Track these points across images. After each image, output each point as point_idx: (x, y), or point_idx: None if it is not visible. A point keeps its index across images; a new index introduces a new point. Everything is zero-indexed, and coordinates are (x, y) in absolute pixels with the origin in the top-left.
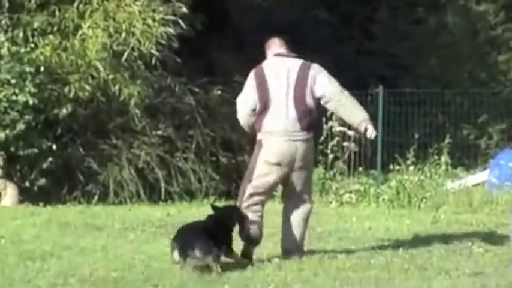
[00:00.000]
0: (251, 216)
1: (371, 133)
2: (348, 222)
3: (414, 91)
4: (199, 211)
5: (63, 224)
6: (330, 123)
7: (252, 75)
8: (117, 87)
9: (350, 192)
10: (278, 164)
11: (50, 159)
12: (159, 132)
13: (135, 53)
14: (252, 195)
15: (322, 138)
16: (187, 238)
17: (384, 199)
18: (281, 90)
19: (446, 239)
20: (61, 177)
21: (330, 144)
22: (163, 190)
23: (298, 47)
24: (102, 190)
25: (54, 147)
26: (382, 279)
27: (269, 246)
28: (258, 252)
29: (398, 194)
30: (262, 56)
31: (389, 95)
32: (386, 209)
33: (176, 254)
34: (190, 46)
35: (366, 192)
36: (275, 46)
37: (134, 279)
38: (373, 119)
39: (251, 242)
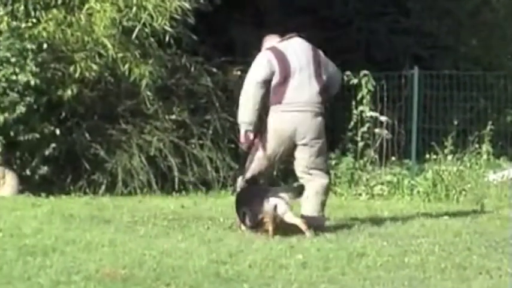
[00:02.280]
0: None
1: None
2: (380, 216)
3: (453, 73)
4: (216, 203)
5: (67, 216)
6: (360, 108)
7: (267, 52)
8: (126, 66)
9: (382, 183)
10: (285, 136)
11: (53, 145)
12: (173, 117)
13: (147, 30)
14: (258, 166)
15: (351, 124)
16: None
17: (418, 191)
18: (303, 63)
19: (487, 235)
20: (65, 165)
21: (360, 130)
22: (176, 180)
23: (326, 25)
24: (109, 179)
25: (57, 132)
26: (417, 279)
27: (292, 241)
28: (279, 248)
29: (434, 186)
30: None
31: (426, 77)
32: (421, 202)
33: None
34: (207, 22)
35: (400, 184)
36: (273, 39)
37: (144, 277)
38: (407, 103)
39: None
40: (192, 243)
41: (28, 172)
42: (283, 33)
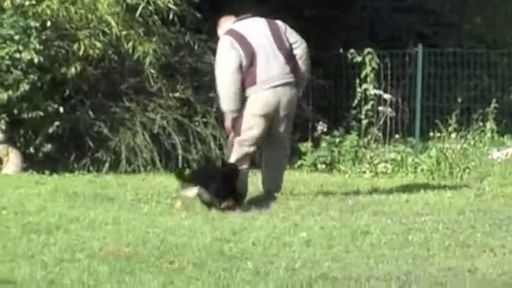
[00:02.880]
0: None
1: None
2: (383, 194)
3: (457, 51)
4: None
5: (71, 194)
6: (364, 86)
7: (226, 37)
8: (130, 44)
9: (386, 161)
10: (263, 116)
11: (56, 123)
12: (177, 94)
13: (151, 7)
14: (239, 148)
15: (355, 102)
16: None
17: (422, 169)
18: (262, 40)
19: (491, 213)
20: (69, 143)
21: (364, 108)
22: (180, 158)
23: (330, 3)
24: (113, 157)
25: (61, 110)
26: (421, 257)
27: (296, 219)
28: (283, 226)
29: (438, 164)
30: (288, 12)
31: (430, 54)
32: (425, 180)
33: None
34: (211, 0)
35: (403, 162)
36: (230, 20)
37: (148, 255)
38: (411, 81)
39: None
40: (195, 221)
41: (32, 150)
42: (239, 13)
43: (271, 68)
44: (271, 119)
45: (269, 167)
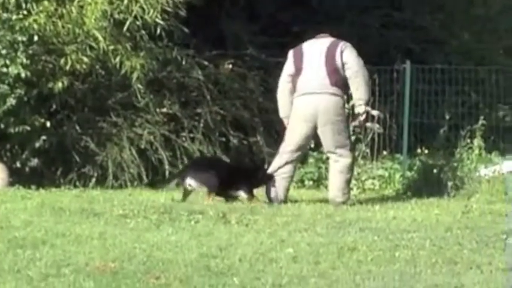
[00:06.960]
0: (278, 179)
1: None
2: (371, 211)
3: (445, 67)
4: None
5: (57, 209)
6: (351, 102)
7: (291, 51)
8: (118, 59)
9: (373, 178)
10: (302, 120)
11: (43, 137)
12: (164, 110)
13: (138, 22)
14: (283, 153)
15: None
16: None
17: (410, 186)
18: (315, 56)
19: (478, 230)
20: (55, 158)
21: (352, 125)
22: (167, 173)
23: (317, 17)
24: (100, 172)
25: (48, 124)
26: (408, 273)
27: (283, 235)
28: (270, 242)
29: (426, 181)
30: (277, 28)
31: (418, 71)
32: (412, 197)
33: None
34: (199, 15)
35: (391, 178)
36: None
37: (134, 270)
38: (399, 97)
39: (272, 201)
40: (182, 236)
41: (18, 164)
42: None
43: (311, 79)
44: (312, 125)
45: (329, 177)
